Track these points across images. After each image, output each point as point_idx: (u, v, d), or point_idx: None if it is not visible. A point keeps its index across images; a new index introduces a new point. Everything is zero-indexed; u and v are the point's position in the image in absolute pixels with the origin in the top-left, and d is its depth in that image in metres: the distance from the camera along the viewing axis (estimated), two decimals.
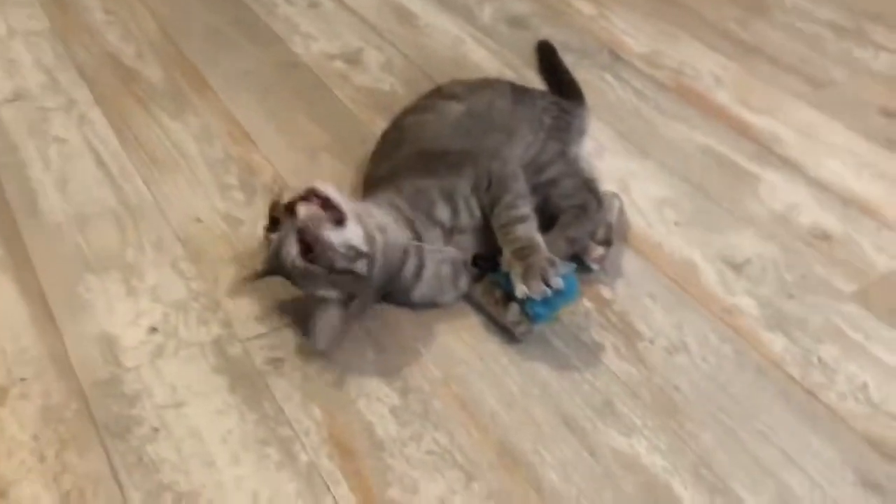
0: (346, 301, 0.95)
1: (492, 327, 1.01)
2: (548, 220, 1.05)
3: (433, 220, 1.01)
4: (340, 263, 0.92)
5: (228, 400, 0.93)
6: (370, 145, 1.21)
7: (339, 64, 1.51)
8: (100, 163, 1.28)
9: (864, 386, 0.95)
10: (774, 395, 0.94)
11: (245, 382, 0.95)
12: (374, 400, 0.93)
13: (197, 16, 1.65)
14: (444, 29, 1.60)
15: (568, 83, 1.36)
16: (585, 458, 0.88)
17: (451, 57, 1.52)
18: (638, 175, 1.25)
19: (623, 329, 1.01)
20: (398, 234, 0.98)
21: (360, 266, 0.94)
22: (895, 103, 1.39)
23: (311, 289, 0.95)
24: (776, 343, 1.00)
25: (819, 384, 0.95)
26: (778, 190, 1.23)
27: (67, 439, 0.89)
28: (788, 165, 1.27)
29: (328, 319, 0.95)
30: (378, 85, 1.45)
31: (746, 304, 1.05)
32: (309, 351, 0.98)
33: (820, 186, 1.23)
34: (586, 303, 1.04)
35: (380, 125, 1.24)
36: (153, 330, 1.01)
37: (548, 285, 0.91)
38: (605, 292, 1.06)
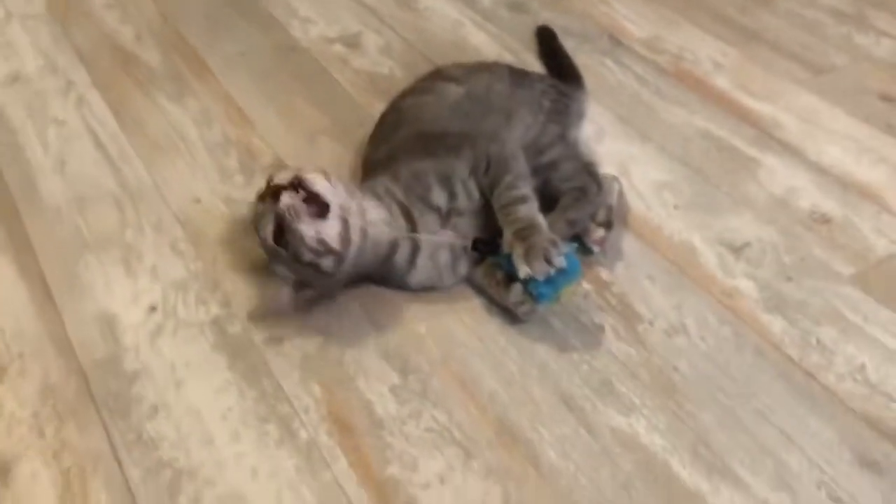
0: (302, 286, 0.97)
1: (492, 309, 1.01)
2: (548, 203, 1.05)
3: (429, 205, 1.01)
4: (307, 256, 0.93)
5: (228, 378, 0.93)
6: (369, 128, 1.20)
7: (338, 47, 1.50)
8: (98, 145, 1.27)
9: (863, 367, 0.95)
10: (773, 376, 0.95)
11: (244, 361, 0.95)
12: (373, 378, 0.93)
13: None
14: (443, 13, 1.60)
15: (568, 67, 1.35)
16: (584, 437, 0.88)
17: (451, 41, 1.52)
18: (638, 159, 1.25)
19: (622, 311, 1.01)
20: (383, 229, 0.98)
21: (327, 263, 0.94)
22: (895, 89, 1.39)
23: (275, 265, 0.97)
24: (775, 325, 1.00)
25: (817, 365, 0.96)
26: (778, 174, 1.22)
27: (67, 417, 0.89)
28: (788, 150, 1.27)
29: (278, 297, 0.97)
30: (377, 69, 1.45)
31: (746, 286, 1.05)
32: (308, 330, 0.98)
33: (820, 171, 1.23)
34: (585, 285, 1.04)
35: (379, 108, 1.24)
36: (152, 309, 1.01)
37: (550, 265, 0.91)
38: (605, 274, 1.06)
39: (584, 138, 1.24)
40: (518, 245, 0.94)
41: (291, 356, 0.95)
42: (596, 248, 1.06)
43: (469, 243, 1.01)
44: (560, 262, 0.92)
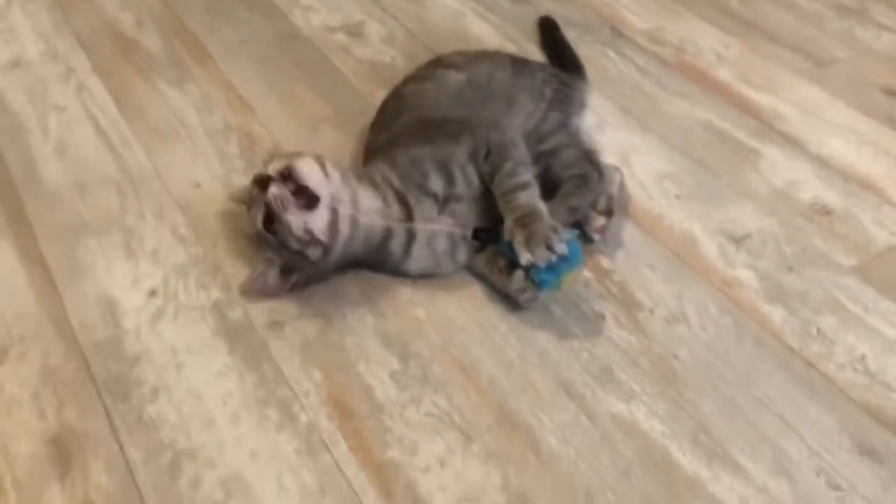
0: (290, 269, 0.98)
1: (492, 296, 1.01)
2: (549, 191, 1.05)
3: (426, 192, 1.00)
4: (294, 245, 0.94)
5: (228, 362, 0.93)
6: (370, 117, 1.20)
7: (340, 36, 1.50)
8: (99, 131, 1.27)
9: (863, 357, 0.96)
10: (773, 365, 0.95)
11: (245, 345, 0.95)
12: (373, 364, 0.93)
13: None
14: (445, 3, 1.60)
15: (569, 58, 1.36)
16: (584, 423, 0.88)
17: (453, 30, 1.52)
18: (639, 149, 1.25)
19: (623, 299, 1.02)
20: (376, 218, 0.98)
21: (313, 252, 0.95)
22: None
23: (264, 248, 0.98)
24: (775, 315, 1.00)
25: (818, 355, 0.96)
26: (779, 166, 1.23)
27: (67, 399, 0.89)
28: (790, 142, 1.27)
29: (263, 278, 0.98)
30: (379, 57, 1.45)
31: (746, 276, 1.05)
32: (309, 315, 0.98)
33: (821, 162, 1.23)
34: (586, 273, 1.04)
35: (380, 97, 1.24)
36: (153, 293, 1.00)
37: (552, 251, 0.91)
38: (606, 263, 1.06)
39: (585, 128, 1.24)
40: (519, 232, 0.94)
41: (292, 341, 0.95)
42: (596, 237, 1.06)
43: (468, 231, 1.01)
44: (561, 248, 0.92)
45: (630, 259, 1.07)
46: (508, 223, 0.96)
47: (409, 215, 1.00)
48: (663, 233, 1.11)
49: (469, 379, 0.92)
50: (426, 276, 1.02)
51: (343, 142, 1.24)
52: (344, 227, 0.95)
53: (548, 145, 1.09)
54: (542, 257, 0.92)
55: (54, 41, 1.46)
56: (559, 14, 1.51)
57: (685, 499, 0.82)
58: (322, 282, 1.02)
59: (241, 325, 0.97)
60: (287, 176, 0.94)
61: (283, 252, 0.96)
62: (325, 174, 0.96)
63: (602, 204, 1.07)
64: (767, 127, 1.30)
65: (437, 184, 1.00)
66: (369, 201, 0.98)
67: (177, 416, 0.87)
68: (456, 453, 0.85)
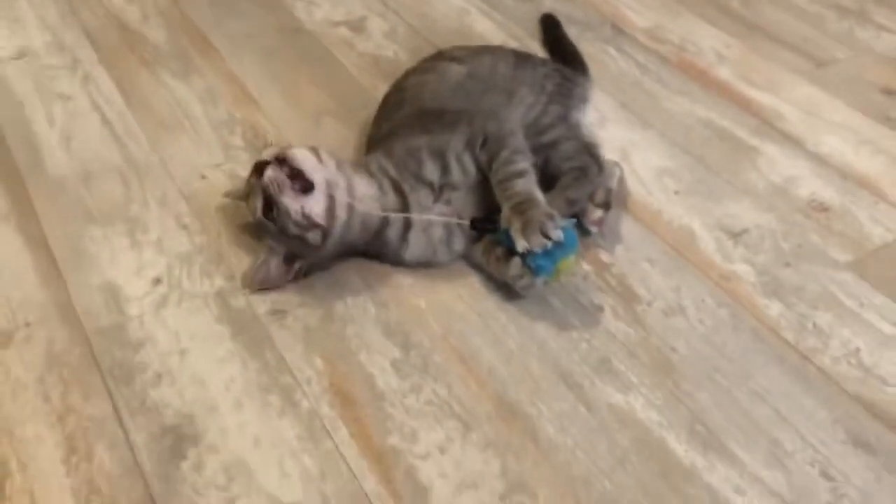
0: (292, 258, 0.99)
1: (491, 287, 1.02)
2: (549, 183, 1.06)
3: (421, 180, 1.01)
4: (293, 230, 0.96)
5: (231, 349, 0.94)
6: (373, 110, 1.22)
7: (342, 31, 1.51)
8: (105, 121, 1.28)
9: (857, 351, 0.97)
10: (769, 358, 0.96)
11: (248, 333, 0.96)
12: (374, 352, 0.94)
13: None
14: None
15: (571, 54, 1.37)
16: (582, 412, 0.89)
17: (456, 27, 1.53)
18: (639, 145, 1.26)
19: (621, 292, 1.03)
20: (372, 205, 0.99)
21: (313, 236, 0.96)
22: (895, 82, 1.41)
23: (265, 237, 0.99)
24: (772, 309, 1.01)
25: (813, 348, 0.97)
26: (777, 163, 1.24)
27: (72, 382, 0.90)
28: (788, 140, 1.28)
29: (266, 267, 0.99)
30: (381, 52, 1.46)
31: (744, 270, 1.06)
32: (311, 304, 0.99)
33: (819, 160, 1.24)
34: (585, 265, 1.05)
35: (382, 91, 1.25)
36: (157, 281, 1.02)
37: (547, 238, 0.92)
38: (605, 256, 1.07)
39: (586, 123, 1.25)
40: (515, 219, 0.95)
41: (294, 329, 0.97)
42: (594, 229, 1.07)
43: (464, 220, 1.02)
44: (557, 234, 0.93)
45: (629, 253, 1.08)
46: (505, 210, 0.97)
47: (404, 204, 1.01)
48: (662, 227, 1.12)
49: (469, 368, 0.93)
50: (423, 265, 1.04)
51: (346, 134, 1.25)
52: (341, 213, 0.97)
53: (547, 137, 1.10)
54: (538, 243, 0.93)
55: (61, 32, 1.47)
56: (561, 12, 1.53)
57: (681, 488, 0.83)
58: (323, 270, 1.03)
59: (244, 313, 0.98)
60: (282, 161, 0.96)
61: (283, 239, 0.97)
62: (320, 161, 0.97)
63: (600, 197, 1.08)
64: (767, 125, 1.31)
65: (432, 172, 1.01)
66: (365, 189, 1.00)
67: (180, 402, 0.88)
68: (455, 441, 0.86)
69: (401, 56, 1.44)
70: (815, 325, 1.00)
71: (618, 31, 1.52)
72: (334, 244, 0.99)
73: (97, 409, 0.87)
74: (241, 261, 1.04)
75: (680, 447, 0.86)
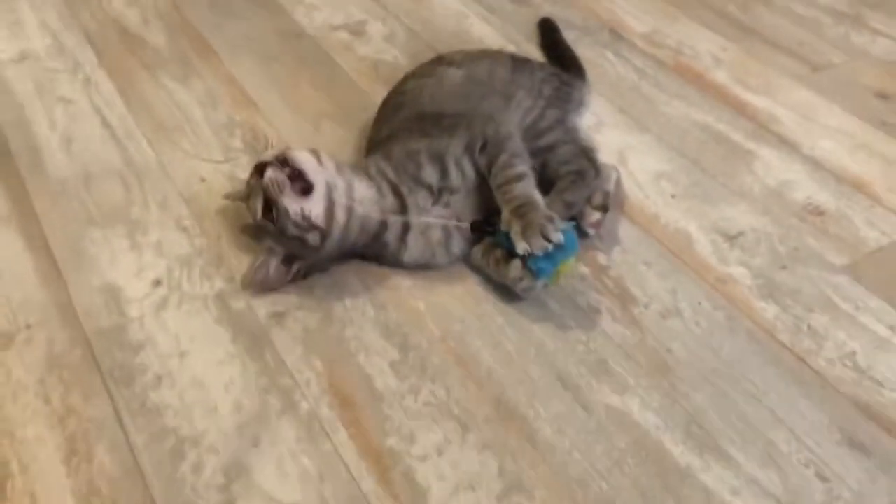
0: (291, 259, 1.00)
1: (490, 289, 1.03)
2: (546, 187, 1.06)
3: (420, 183, 1.02)
4: (292, 231, 0.96)
5: (231, 351, 0.95)
6: (372, 113, 1.22)
7: (342, 35, 1.52)
8: (105, 124, 1.29)
9: (853, 353, 0.98)
10: (765, 359, 0.97)
11: (247, 335, 0.97)
12: (373, 354, 0.95)
13: None
14: (447, 3, 1.62)
15: (569, 59, 1.38)
16: (579, 414, 0.90)
17: (455, 31, 1.54)
18: (636, 149, 1.27)
19: (618, 294, 1.03)
20: (371, 208, 1.00)
21: (312, 238, 0.97)
22: (891, 87, 1.41)
23: (265, 238, 1.00)
24: (768, 311, 1.02)
25: (809, 350, 0.98)
26: (773, 167, 1.25)
27: (72, 384, 0.90)
28: (784, 143, 1.29)
29: (265, 268, 1.00)
30: (381, 56, 1.47)
31: (740, 273, 1.07)
32: (310, 306, 1.00)
33: (815, 164, 1.25)
34: (583, 268, 1.06)
35: (382, 95, 1.25)
36: (157, 283, 1.02)
37: (548, 240, 0.93)
38: (602, 259, 1.08)
39: (584, 127, 1.26)
40: (515, 222, 0.96)
41: (293, 331, 0.97)
42: (591, 231, 1.08)
43: (462, 223, 1.03)
44: (557, 237, 0.94)
45: (626, 255, 1.09)
46: (505, 214, 0.98)
47: (403, 206, 1.01)
48: (659, 230, 1.13)
49: (467, 370, 0.94)
50: (422, 267, 1.04)
51: (345, 137, 1.26)
52: (340, 215, 0.97)
53: (545, 141, 1.11)
54: (538, 246, 0.94)
55: (62, 36, 1.48)
56: (559, 16, 1.54)
57: (676, 489, 0.84)
58: (322, 272, 1.04)
59: (244, 315, 0.99)
60: (283, 162, 0.97)
61: (282, 240, 0.98)
62: (320, 163, 0.98)
63: (598, 199, 1.09)
64: (763, 128, 1.32)
65: (431, 175, 1.02)
66: (364, 191, 1.00)
67: (180, 403, 0.89)
68: (453, 442, 0.87)
69: (400, 60, 1.45)
70: (810, 327, 1.00)
71: (616, 35, 1.53)
72: (333, 246, 0.99)
73: (98, 411, 0.88)
74: (240, 263, 1.04)
75: (676, 448, 0.87)
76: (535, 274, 0.96)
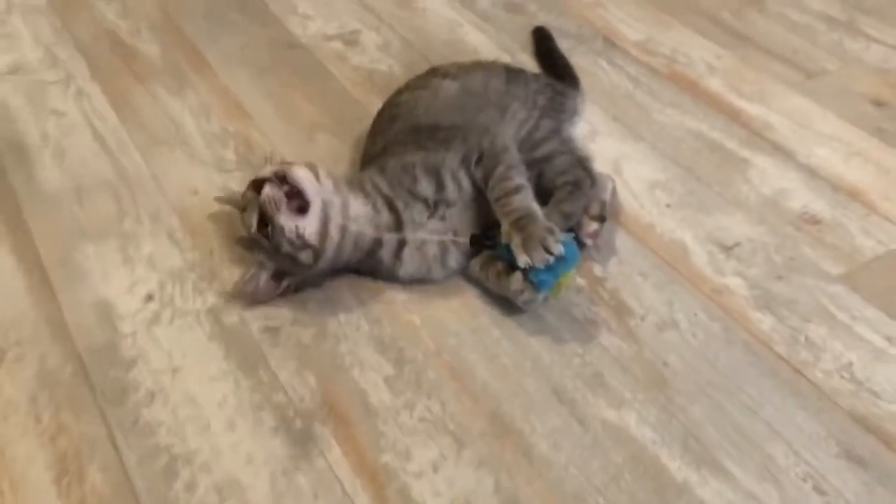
0: (281, 274, 1.00)
1: (486, 302, 1.02)
2: (542, 198, 1.06)
3: (416, 196, 1.02)
4: (285, 248, 0.96)
5: (224, 367, 0.94)
6: (367, 124, 1.22)
7: (336, 45, 1.52)
8: (97, 136, 1.28)
9: (850, 364, 0.97)
10: (762, 371, 0.96)
11: (240, 350, 0.96)
12: (368, 369, 0.94)
13: None
14: (441, 13, 1.61)
15: (563, 67, 1.38)
16: (575, 428, 0.89)
17: (449, 40, 1.53)
18: (631, 158, 1.26)
19: (614, 306, 1.03)
20: (366, 225, 0.99)
21: (304, 256, 0.97)
22: (886, 94, 1.41)
23: (257, 252, 0.99)
24: (764, 322, 1.02)
25: (805, 362, 0.97)
26: (768, 175, 1.24)
27: (63, 402, 0.90)
28: (779, 151, 1.29)
29: (255, 282, 1.00)
30: (375, 66, 1.46)
31: (736, 284, 1.07)
32: (304, 321, 0.99)
33: (810, 172, 1.25)
34: (579, 280, 1.05)
35: (376, 105, 1.25)
36: (149, 298, 1.02)
37: (549, 252, 0.93)
38: (598, 270, 1.07)
39: (578, 136, 1.26)
40: (516, 235, 0.95)
41: (287, 346, 0.96)
42: (589, 242, 1.07)
43: (458, 237, 1.02)
44: (558, 249, 0.93)
45: (622, 266, 1.08)
46: (505, 227, 0.97)
47: (398, 221, 1.01)
48: (654, 241, 1.13)
49: (462, 384, 0.93)
50: (418, 282, 1.04)
51: (339, 149, 1.26)
52: (334, 234, 0.97)
53: (541, 152, 1.11)
54: (539, 259, 0.93)
55: (54, 48, 1.48)
56: (553, 25, 1.53)
57: None
58: (313, 287, 1.03)
59: (237, 330, 0.98)
60: (282, 179, 0.96)
61: (274, 255, 0.97)
62: (318, 180, 0.98)
63: (595, 209, 1.09)
64: (757, 137, 1.32)
65: (426, 189, 1.02)
66: (359, 208, 1.00)
67: (172, 421, 0.88)
68: (449, 458, 0.86)
69: (395, 70, 1.44)
70: (807, 338, 1.00)
71: (609, 43, 1.53)
72: (325, 264, 0.99)
73: (89, 429, 0.87)
74: (233, 277, 1.04)
75: (673, 463, 0.86)
76: (537, 286, 0.96)
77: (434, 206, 1.02)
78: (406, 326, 0.99)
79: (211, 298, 1.02)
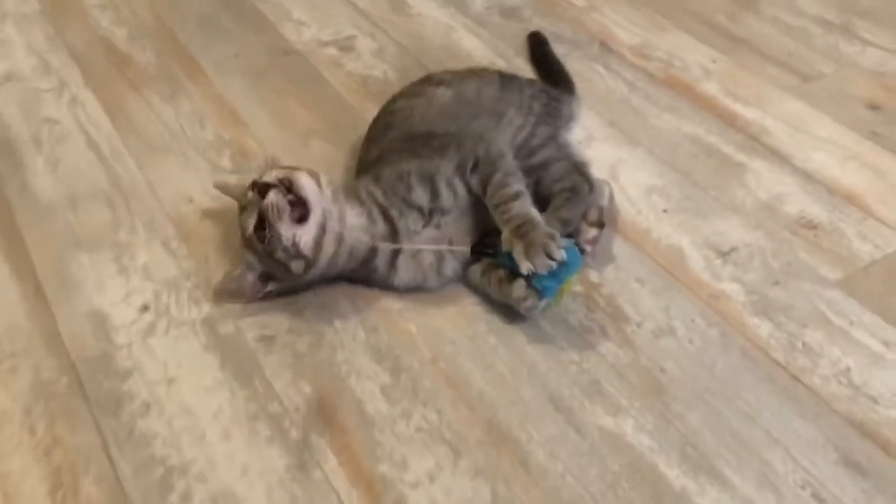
0: (268, 277, 0.99)
1: (482, 309, 1.02)
2: (540, 204, 1.06)
3: (410, 205, 1.01)
4: (279, 255, 0.96)
5: (219, 377, 0.93)
6: (362, 130, 1.22)
7: (331, 51, 1.51)
8: (91, 144, 1.28)
9: (847, 370, 0.97)
10: (759, 377, 0.96)
11: (236, 360, 0.95)
12: (364, 378, 0.94)
13: (189, 1, 1.65)
14: (436, 18, 1.61)
15: (558, 73, 1.37)
16: (572, 436, 0.89)
17: (444, 45, 1.53)
18: (627, 163, 1.26)
19: (611, 312, 1.03)
20: (361, 235, 0.99)
21: (296, 265, 0.96)
22: (881, 97, 1.41)
23: (249, 252, 0.99)
24: (762, 328, 1.01)
25: (803, 368, 0.97)
26: (765, 179, 1.24)
27: (58, 413, 0.89)
28: (775, 156, 1.28)
29: (241, 280, 0.99)
30: (370, 72, 1.46)
31: (733, 289, 1.06)
32: (300, 329, 0.99)
33: (806, 176, 1.25)
34: (575, 287, 1.05)
35: (371, 111, 1.25)
36: (145, 308, 1.01)
37: (551, 258, 0.92)
38: (594, 277, 1.07)
39: (574, 142, 1.26)
40: (517, 242, 0.95)
41: (282, 356, 0.96)
42: (588, 248, 1.07)
43: (454, 246, 1.02)
44: (561, 254, 0.93)
45: (618, 273, 1.08)
46: (505, 234, 0.97)
47: (393, 231, 1.01)
48: (651, 246, 1.12)
49: (459, 393, 0.93)
50: (413, 291, 1.03)
51: (334, 155, 1.25)
52: (329, 245, 0.97)
53: (537, 159, 1.10)
54: (542, 265, 0.93)
55: (47, 55, 1.47)
56: (549, 30, 1.53)
57: None
58: (298, 294, 1.02)
59: (233, 340, 0.98)
60: (288, 186, 0.96)
61: (266, 260, 0.97)
62: (320, 189, 0.97)
63: (593, 215, 1.08)
64: (754, 141, 1.31)
65: (421, 197, 1.01)
66: (355, 218, 1.00)
67: (168, 432, 0.88)
68: (445, 468, 0.85)
69: (390, 75, 1.44)
70: (804, 344, 1.00)
71: (605, 48, 1.53)
72: (316, 273, 0.99)
73: (84, 441, 0.87)
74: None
75: (671, 471, 0.86)
76: (541, 293, 0.95)
77: (429, 215, 1.01)
78: (402, 334, 0.99)
79: (206, 308, 1.01)
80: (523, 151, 1.10)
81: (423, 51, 1.51)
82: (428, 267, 1.02)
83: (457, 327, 1.00)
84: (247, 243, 0.98)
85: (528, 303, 0.97)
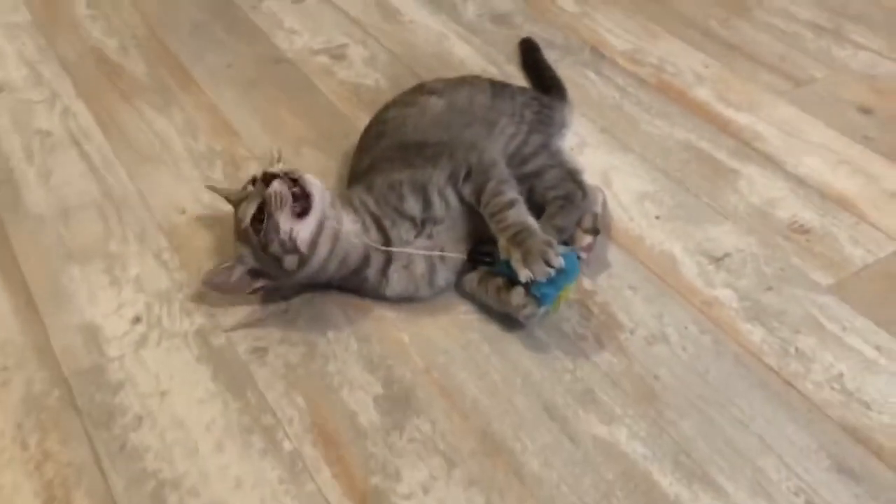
0: (258, 273, 0.99)
1: (475, 318, 1.02)
2: (534, 212, 1.05)
3: (403, 215, 1.01)
4: (274, 248, 0.95)
5: (212, 389, 0.93)
6: (354, 139, 1.22)
7: (323, 59, 1.51)
8: (83, 155, 1.28)
9: (840, 375, 0.97)
10: (752, 384, 0.96)
11: (228, 372, 0.95)
12: (357, 389, 0.94)
13: (181, 11, 1.65)
14: (428, 25, 1.61)
15: (550, 79, 1.37)
16: (566, 445, 0.89)
17: (436, 53, 1.53)
18: (619, 169, 1.26)
19: (604, 320, 1.03)
20: (354, 241, 0.99)
21: (289, 261, 0.96)
22: (873, 101, 1.41)
23: (240, 248, 0.98)
24: (754, 334, 1.01)
25: (796, 374, 0.97)
26: (757, 185, 1.24)
27: (50, 427, 0.89)
28: (768, 161, 1.29)
29: (229, 273, 0.98)
30: (362, 80, 1.46)
31: (726, 296, 1.06)
32: (292, 340, 0.99)
33: (798, 181, 1.25)
34: (572, 294, 1.05)
35: (363, 120, 1.25)
36: (136, 320, 1.01)
37: (549, 265, 0.92)
38: (587, 284, 1.07)
39: (566, 148, 1.26)
40: (515, 250, 0.95)
41: (275, 367, 0.96)
42: (584, 255, 1.07)
43: (447, 254, 1.02)
44: (559, 261, 0.93)
45: (611, 280, 1.08)
46: (502, 242, 0.97)
47: (386, 240, 1.00)
48: (644, 253, 1.12)
49: (452, 403, 0.93)
50: (405, 300, 1.03)
51: (326, 164, 1.25)
52: (324, 244, 0.96)
53: (531, 167, 1.10)
54: (541, 272, 0.93)
55: (39, 66, 1.47)
56: (540, 36, 1.53)
57: None
58: (286, 298, 1.02)
59: (225, 352, 0.97)
60: (294, 179, 0.95)
61: (259, 254, 0.96)
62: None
63: (587, 222, 1.08)
64: (746, 146, 1.32)
65: (413, 207, 1.01)
66: (349, 225, 1.00)
67: (160, 444, 0.87)
68: (439, 479, 0.85)
69: (381, 84, 1.44)
70: (797, 349, 1.00)
71: (597, 54, 1.53)
72: (307, 274, 0.98)
73: (76, 455, 0.86)
74: (221, 297, 1.03)
75: (665, 479, 0.86)
76: (540, 300, 0.95)
77: (421, 225, 1.01)
78: (395, 344, 0.99)
79: (199, 319, 1.01)
80: (516, 160, 1.10)
81: (414, 59, 1.51)
82: (420, 277, 1.02)
83: (450, 336, 1.00)
84: (241, 235, 0.98)
85: (527, 310, 0.97)
